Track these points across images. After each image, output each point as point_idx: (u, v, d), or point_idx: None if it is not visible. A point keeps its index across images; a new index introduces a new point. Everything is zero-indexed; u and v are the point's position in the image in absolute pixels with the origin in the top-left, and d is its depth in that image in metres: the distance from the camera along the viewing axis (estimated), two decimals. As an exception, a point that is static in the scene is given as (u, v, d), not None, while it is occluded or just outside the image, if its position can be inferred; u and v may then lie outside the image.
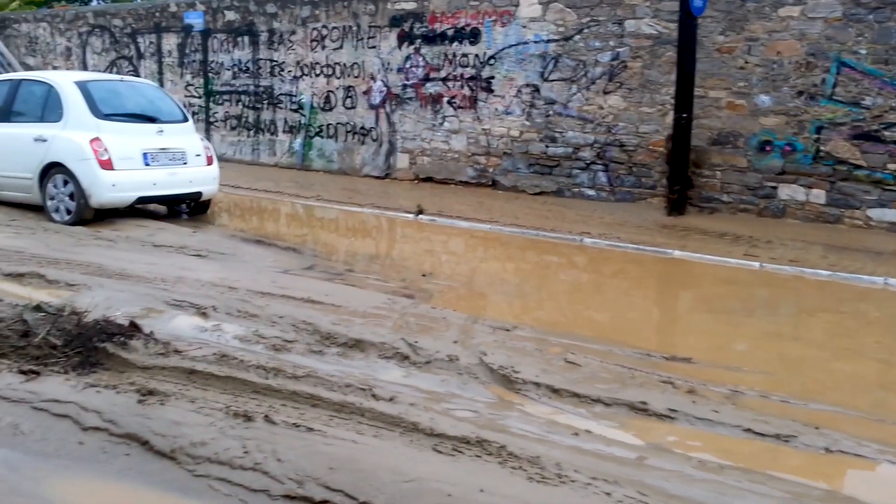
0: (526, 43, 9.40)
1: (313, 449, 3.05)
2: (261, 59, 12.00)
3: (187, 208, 8.36)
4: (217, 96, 12.52)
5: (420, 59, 10.38)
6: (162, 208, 8.29)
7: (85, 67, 14.53)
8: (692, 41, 8.09)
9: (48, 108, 7.66)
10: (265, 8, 11.77)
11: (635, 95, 8.74)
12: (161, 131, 7.85)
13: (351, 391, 3.62)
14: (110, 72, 13.95)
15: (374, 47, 10.79)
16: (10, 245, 6.31)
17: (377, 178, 11.06)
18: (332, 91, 11.33)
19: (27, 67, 15.50)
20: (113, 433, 3.19)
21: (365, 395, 3.58)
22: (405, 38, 10.46)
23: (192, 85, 12.91)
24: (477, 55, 9.87)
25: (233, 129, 12.53)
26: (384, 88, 10.80)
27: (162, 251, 6.51)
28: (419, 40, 10.33)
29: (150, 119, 7.92)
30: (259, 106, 12.14)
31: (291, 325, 4.59)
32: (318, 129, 11.59)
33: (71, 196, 7.37)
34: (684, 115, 8.08)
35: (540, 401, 3.70)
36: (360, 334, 4.46)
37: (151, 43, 13.37)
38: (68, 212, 7.42)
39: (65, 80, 7.68)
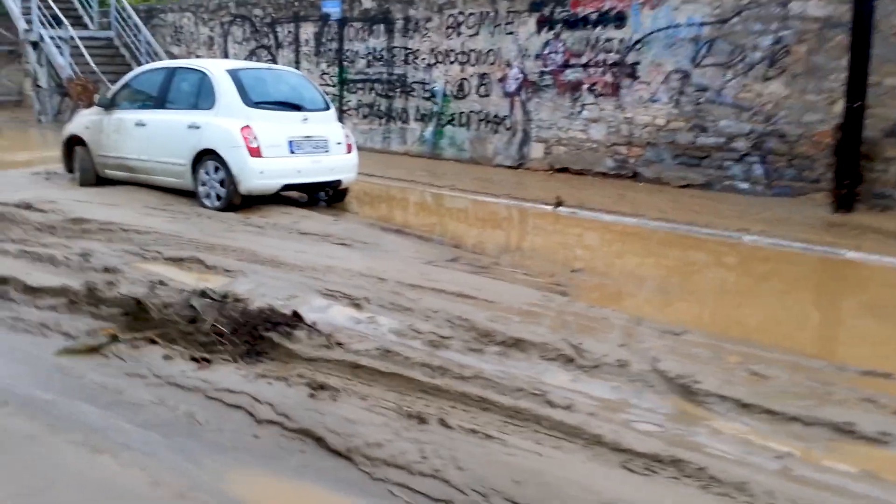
0: (677, 26, 8.88)
1: (494, 458, 2.88)
2: (395, 47, 12.00)
3: (325, 196, 8.42)
4: (350, 84, 12.65)
5: (560, 44, 10.04)
6: (301, 195, 8.38)
7: (226, 56, 15.05)
8: (868, 24, 7.37)
9: (201, 95, 7.88)
10: (402, -5, 11.76)
11: (799, 82, 8.07)
12: (306, 119, 7.93)
13: (523, 396, 3.42)
14: (250, 60, 14.37)
15: (511, 33, 10.54)
16: (167, 229, 6.52)
17: (509, 167, 10.83)
18: (465, 79, 11.17)
19: (172, 56, 16.25)
20: (287, 427, 3.14)
21: (538, 400, 3.38)
22: (545, 23, 10.14)
23: (327, 73, 13.10)
24: (622, 40, 9.43)
25: (365, 117, 12.62)
26: (520, 75, 10.54)
27: (308, 239, 6.54)
28: (559, 25, 9.99)
29: (296, 107, 8.01)
30: (391, 94, 12.15)
31: (446, 321, 4.45)
32: (450, 118, 11.48)
33: (221, 182, 7.56)
34: (857, 104, 7.38)
35: (727, 416, 3.38)
36: (518, 333, 4.25)
37: (290, 32, 13.67)
38: (218, 197, 7.62)
39: (217, 69, 7.88)
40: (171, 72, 8.27)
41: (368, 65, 12.35)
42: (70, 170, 9.22)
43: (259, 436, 3.11)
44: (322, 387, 3.43)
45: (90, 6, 17.75)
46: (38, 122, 16.86)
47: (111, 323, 4.37)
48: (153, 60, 16.14)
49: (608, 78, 9.59)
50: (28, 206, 7.23)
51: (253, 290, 4.78)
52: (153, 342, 4.00)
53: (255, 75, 8.04)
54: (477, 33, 10.90)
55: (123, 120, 8.44)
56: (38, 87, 17.04)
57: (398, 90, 12.02)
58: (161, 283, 4.86)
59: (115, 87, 8.83)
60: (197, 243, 6.09)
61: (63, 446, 2.96)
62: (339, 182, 8.19)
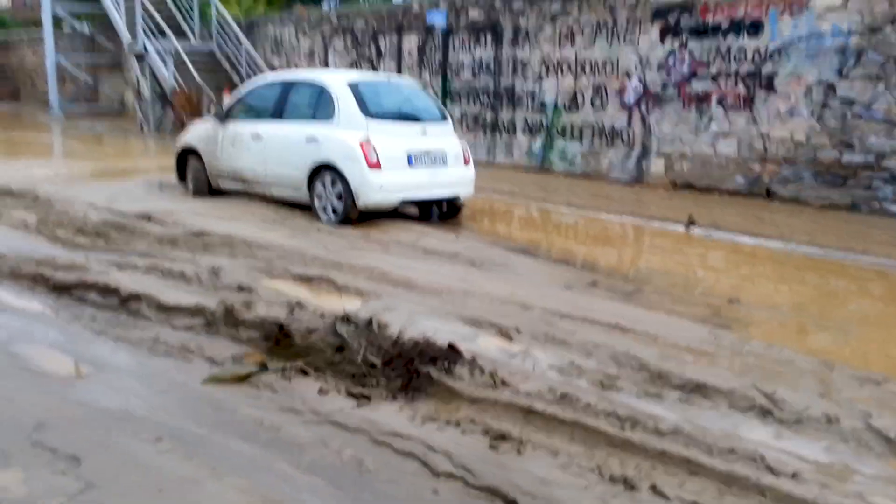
0: (820, 35, 8.21)
1: (730, 541, 2.43)
2: (503, 57, 11.65)
3: (439, 210, 8.08)
4: (454, 96, 12.35)
5: (685, 54, 9.47)
6: (413, 209, 8.08)
7: (327, 67, 15.02)
8: None
9: (320, 108, 7.70)
10: (511, 5, 11.39)
11: (964, 95, 7.31)
12: (424, 131, 7.64)
13: (736, 459, 2.95)
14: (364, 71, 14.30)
15: (631, 43, 10.03)
16: (289, 245, 6.30)
17: (625, 183, 10.30)
18: (579, 90, 10.71)
19: (272, 68, 16.35)
20: (470, 484, 2.76)
21: (756, 466, 2.90)
22: (669, 31, 9.60)
23: (430, 85, 12.85)
24: (757, 49, 8.80)
25: (469, 128, 12.29)
26: (640, 87, 10.01)
27: (435, 258, 6.21)
28: (686, 34, 9.43)
29: (414, 119, 7.73)
30: (498, 105, 11.79)
31: (610, 358, 4.01)
32: (561, 130, 11.04)
33: (339, 196, 7.33)
34: None
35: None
36: (697, 376, 3.78)
37: (392, 43, 13.51)
38: (335, 212, 7.39)
39: (337, 81, 7.68)
40: (289, 84, 8.13)
41: (474, 75, 12.04)
42: (183, 180, 9.21)
43: (439, 491, 2.75)
44: (502, 436, 3.04)
45: (192, 18, 18.11)
46: (140, 131, 17.25)
47: (251, 347, 4.12)
48: (253, 72, 16.30)
49: (740, 90, 8.97)
50: (148, 218, 7.17)
51: (394, 316, 4.45)
52: (303, 372, 3.70)
53: (374, 87, 7.81)
54: (593, 43, 10.44)
55: (239, 132, 8.34)
56: (141, 97, 17.45)
57: (505, 101, 11.66)
58: (299, 304, 4.59)
59: (230, 99, 8.76)
60: (322, 261, 5.83)
61: (231, 494, 2.66)
62: (456, 197, 7.87)
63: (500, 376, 3.64)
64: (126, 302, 4.78)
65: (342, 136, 7.33)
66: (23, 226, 6.78)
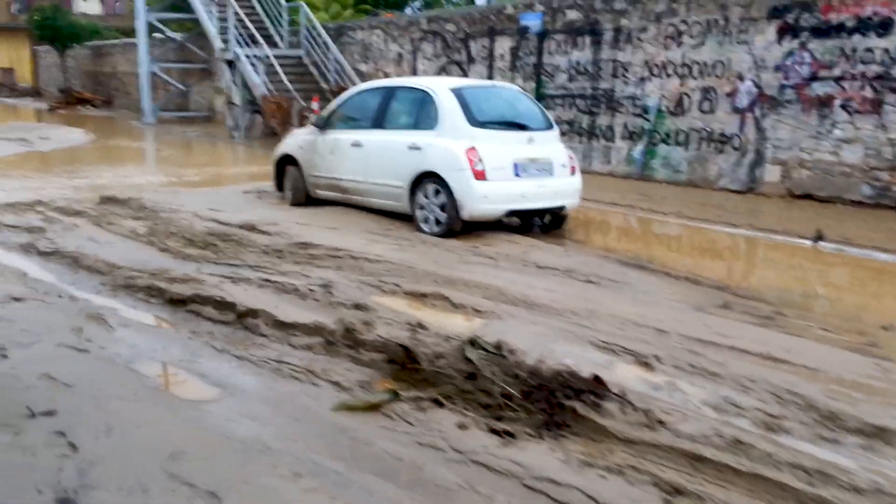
0: (962, 32, 7.54)
1: None
2: (602, 59, 11.24)
3: (541, 221, 7.76)
4: (549, 100, 12.00)
5: (805, 55, 8.88)
6: (515, 220, 7.77)
7: (415, 73, 14.90)
8: None
9: (423, 115, 7.50)
10: (612, 5, 10.98)
11: None
12: (531, 140, 7.35)
13: (957, 526, 2.55)
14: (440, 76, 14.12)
15: (744, 43, 9.48)
16: (397, 258, 6.10)
17: (736, 192, 9.75)
18: (685, 93, 10.21)
19: (360, 73, 16.36)
20: (651, 549, 2.46)
21: None
22: (787, 31, 9.02)
23: (523, 89, 12.52)
24: (886, 50, 8.16)
25: (564, 134, 11.89)
26: (754, 90, 9.45)
27: (549, 274, 5.90)
28: (806, 33, 8.84)
29: (520, 127, 7.45)
30: (595, 110, 11.38)
31: (770, 394, 3.62)
32: (664, 136, 10.55)
33: (441, 207, 7.11)
34: None
35: None
36: (874, 417, 3.36)
37: (484, 47, 13.26)
38: (437, 223, 7.18)
39: (441, 87, 7.46)
40: (390, 91, 7.96)
41: (570, 79, 11.67)
42: (280, 188, 9.18)
43: (613, 555, 2.45)
44: (677, 490, 2.72)
45: (281, 25, 18.33)
46: (230, 138, 17.53)
47: (374, 370, 3.92)
48: (341, 78, 16.35)
49: (867, 93, 8.33)
50: (252, 228, 7.11)
51: (519, 338, 4.17)
52: (437, 403, 3.46)
53: (479, 93, 7.56)
54: (702, 43, 9.92)
55: (339, 140, 8.23)
56: (232, 104, 17.74)
57: (604, 106, 11.24)
58: (420, 325, 4.36)
59: (330, 107, 8.67)
60: (434, 276, 5.60)
61: (384, 549, 2.43)
62: (562, 207, 7.55)
63: (655, 415, 3.31)
64: (243, 317, 4.66)
65: (446, 145, 7.10)
66: (134, 235, 6.81)
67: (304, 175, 8.67)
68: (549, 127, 7.69)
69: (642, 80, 10.73)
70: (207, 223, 7.38)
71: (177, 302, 5.04)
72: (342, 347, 4.20)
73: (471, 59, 13.58)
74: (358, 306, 4.70)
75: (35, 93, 35.79)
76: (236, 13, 16.85)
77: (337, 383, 3.71)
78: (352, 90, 8.60)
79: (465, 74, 13.66)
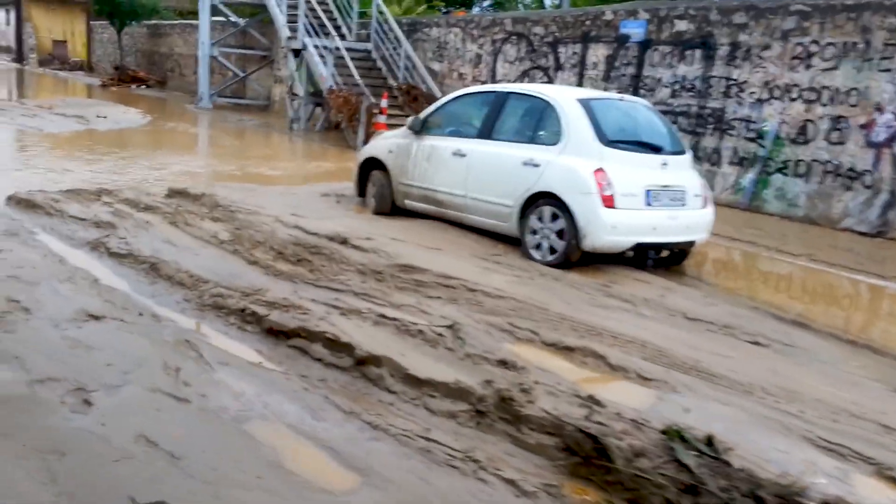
0: None
1: None
2: (713, 76, 10.29)
3: (656, 255, 6.82)
4: (645, 116, 11.05)
5: (964, 88, 7.89)
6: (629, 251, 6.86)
7: (493, 76, 14.08)
8: None
9: (542, 128, 6.66)
10: (731, 18, 10.02)
11: None
12: (665, 164, 6.47)
13: None
14: (522, 82, 13.27)
15: (887, 70, 8.49)
16: (521, 294, 5.24)
17: (862, 234, 8.75)
18: (811, 120, 9.23)
19: (432, 73, 15.57)
20: None
21: None
22: (945, 59, 8.04)
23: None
24: None
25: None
26: (895, 123, 8.45)
27: (703, 328, 5.01)
28: (967, 64, 7.86)
29: (654, 149, 6.56)
30: (700, 130, 10.44)
31: None
32: (781, 165, 9.58)
33: (559, 233, 6.26)
34: None
35: None
36: None
37: (574, 53, 12.37)
38: (551, 251, 6.33)
39: (565, 97, 6.60)
40: (503, 97, 7.11)
41: (673, 95, 10.73)
42: (361, 194, 8.39)
43: None
44: None
45: (350, 17, 17.59)
46: (289, 129, 16.84)
47: (545, 458, 3.11)
48: (410, 76, 15.56)
49: None
50: (344, 242, 6.29)
51: (718, 428, 3.29)
52: (658, 530, 2.61)
53: (609, 107, 6.69)
54: (835, 67, 8.94)
55: (437, 147, 7.41)
56: (294, 94, 17.04)
57: (711, 126, 10.29)
58: (592, 399, 3.50)
59: (428, 110, 7.86)
60: (572, 322, 4.74)
61: None
62: (692, 243, 6.66)
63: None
64: (363, 364, 3.86)
65: (571, 164, 6.24)
66: (216, 241, 6.05)
67: (393, 182, 7.87)
68: (683, 151, 6.80)
69: (759, 101, 9.77)
70: (292, 231, 6.60)
71: (277, 333, 4.26)
72: (497, 421, 3.37)
73: (558, 66, 12.70)
74: (504, 364, 3.85)
75: (87, 67, 35.58)
76: (307, 1, 16.15)
77: (512, 483, 2.87)
78: (455, 93, 7.77)
79: (550, 81, 12.79)
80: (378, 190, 8.05)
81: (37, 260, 5.25)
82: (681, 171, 6.61)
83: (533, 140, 6.67)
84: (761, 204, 9.77)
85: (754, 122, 9.85)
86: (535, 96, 6.84)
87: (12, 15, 40.52)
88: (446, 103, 7.66)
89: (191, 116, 18.93)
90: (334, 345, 4.04)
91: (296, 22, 16.43)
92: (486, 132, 7.05)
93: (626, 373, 4.03)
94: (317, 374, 3.85)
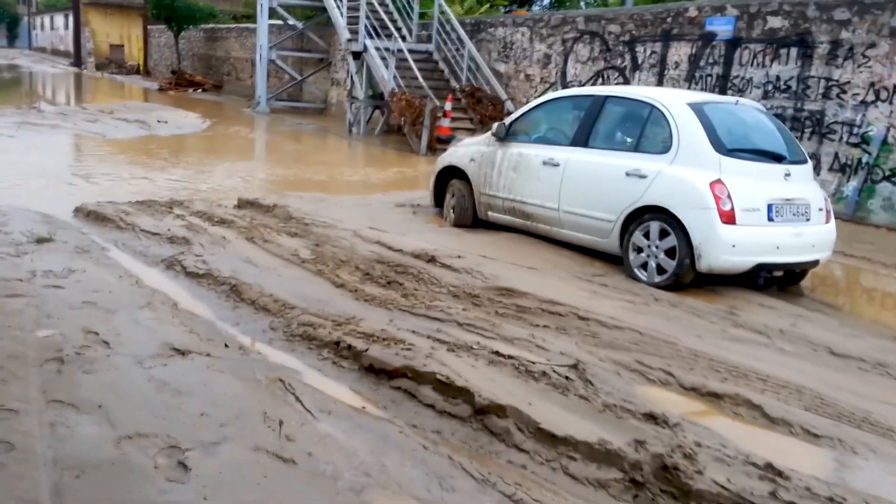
0: None
1: None
2: (811, 76, 9.53)
3: (768, 273, 6.14)
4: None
5: None
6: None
7: (564, 77, 13.47)
8: None
9: (648, 135, 6.06)
10: (832, 14, 9.26)
11: None
12: (788, 175, 5.82)
13: None
14: (595, 83, 12.65)
15: None
16: (641, 325, 4.66)
17: None
18: (926, 124, 8.43)
19: (497, 74, 15.03)
20: None
21: None
22: None
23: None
24: None
25: (748, 159, 10.24)
26: None
27: (855, 368, 4.38)
28: None
29: (775, 157, 5.91)
30: (797, 134, 9.67)
31: None
32: (889, 173, 8.79)
33: (669, 252, 5.66)
34: None
35: None
36: None
37: (653, 52, 11.69)
38: (660, 271, 5.74)
39: (674, 101, 6.00)
40: (600, 101, 6.52)
41: (766, 95, 10.00)
42: (438, 204, 7.90)
43: None
44: None
45: (410, 18, 17.15)
46: (349, 133, 16.47)
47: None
48: (475, 77, 15.03)
49: None
50: (432, 260, 5.81)
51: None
52: None
53: (723, 111, 6.06)
54: (957, 66, 8.15)
55: (526, 156, 6.87)
56: (354, 98, 16.66)
57: (809, 130, 9.54)
58: (776, 471, 2.91)
59: (514, 115, 7.32)
60: (709, 360, 4.15)
61: None
62: (816, 263, 6.00)
63: None
64: (483, 414, 3.34)
65: (684, 175, 5.64)
66: (297, 260, 5.61)
67: (475, 193, 7.36)
68: (805, 160, 6.14)
69: (864, 104, 8.99)
70: (373, 247, 6.14)
71: (378, 372, 3.78)
72: (661, 496, 2.82)
73: (636, 66, 12.03)
74: (653, 418, 3.29)
75: (144, 71, 35.95)
76: (369, 2, 15.76)
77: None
78: (545, 97, 7.21)
79: (626, 82, 12.14)
80: (458, 201, 7.55)
81: (112, 282, 4.88)
82: (804, 183, 5.97)
83: (637, 148, 6.08)
84: (866, 215, 8.98)
85: (858, 126, 9.07)
86: (638, 100, 6.24)
87: (70, 20, 41.31)
88: (534, 108, 7.11)
89: (249, 120, 18.74)
90: (447, 389, 3.54)
91: (355, 24, 16.07)
92: (582, 139, 6.48)
93: (791, 427, 3.44)
94: (430, 425, 3.36)
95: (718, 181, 5.52)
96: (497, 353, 3.94)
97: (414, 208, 8.23)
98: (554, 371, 3.73)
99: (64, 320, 4.07)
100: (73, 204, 7.06)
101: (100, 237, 6.10)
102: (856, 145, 9.09)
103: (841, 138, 9.25)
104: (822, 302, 6.00)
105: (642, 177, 5.86)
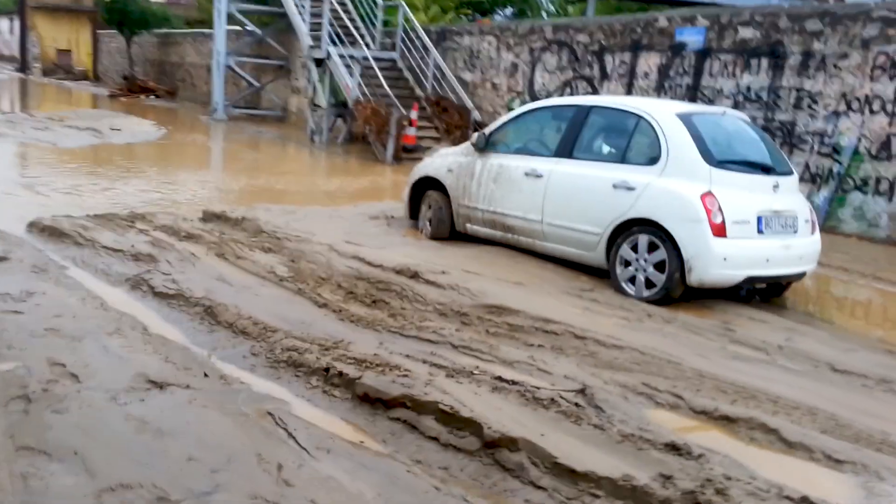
0: None
1: None
2: (782, 86, 9.58)
3: (750, 286, 6.05)
4: (702, 129, 10.34)
5: None
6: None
7: (531, 86, 13.38)
8: None
9: (636, 145, 5.94)
10: (803, 24, 9.32)
11: None
12: (776, 186, 5.75)
13: None
14: (563, 94, 12.57)
15: None
16: (640, 343, 4.49)
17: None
18: (895, 134, 8.51)
19: (463, 83, 14.88)
20: None
21: None
22: None
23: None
24: None
25: (719, 169, 10.25)
26: None
27: (858, 384, 4.27)
28: None
29: (764, 169, 5.84)
30: (767, 145, 9.72)
31: None
32: (860, 182, 8.86)
33: (658, 266, 5.53)
34: None
35: None
36: None
37: (622, 63, 11.66)
38: (648, 285, 5.60)
39: (662, 111, 5.89)
40: (584, 111, 6.38)
41: (736, 105, 10.00)
42: (414, 216, 7.66)
43: None
44: None
45: (374, 25, 16.90)
46: (311, 142, 16.12)
47: None
48: (441, 86, 14.85)
49: None
50: (415, 276, 5.56)
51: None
52: None
53: (711, 122, 5.97)
54: (927, 78, 8.25)
55: (507, 167, 6.69)
56: (316, 106, 16.31)
57: (779, 140, 9.56)
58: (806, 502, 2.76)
59: (493, 125, 7.14)
60: (714, 381, 4.01)
61: None
62: (802, 275, 5.94)
63: None
64: (493, 448, 3.12)
65: (674, 187, 5.52)
66: (274, 278, 5.32)
67: (453, 205, 7.15)
68: (791, 171, 6.09)
69: (836, 114, 9.05)
70: (351, 262, 5.88)
71: (374, 401, 3.52)
72: (694, 538, 2.62)
73: (604, 76, 11.99)
74: (675, 448, 3.10)
75: (93, 77, 34.92)
76: (333, 9, 15.46)
77: None
78: (526, 106, 7.04)
79: (595, 92, 12.09)
80: (435, 213, 7.33)
81: (75, 305, 4.53)
82: (791, 194, 5.92)
83: (624, 160, 5.95)
84: (836, 224, 9.03)
85: (829, 136, 9.13)
86: (625, 111, 6.12)
87: (16, 24, 39.95)
88: (515, 118, 6.94)
89: (207, 128, 18.24)
90: (451, 419, 3.31)
91: (317, 31, 15.76)
92: (566, 150, 6.33)
93: (811, 453, 3.30)
94: (436, 460, 3.12)
95: (709, 193, 5.41)
96: (500, 378, 3.72)
97: (388, 220, 7.98)
98: (562, 397, 3.53)
99: (26, 351, 3.71)
100: (26, 218, 6.61)
101: (57, 254, 5.71)
102: (827, 155, 9.15)
103: (812, 148, 9.31)
104: (809, 314, 5.96)
105: (630, 189, 5.72)
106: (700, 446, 3.16)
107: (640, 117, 5.91)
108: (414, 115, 13.77)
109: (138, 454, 2.82)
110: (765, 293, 6.22)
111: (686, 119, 5.73)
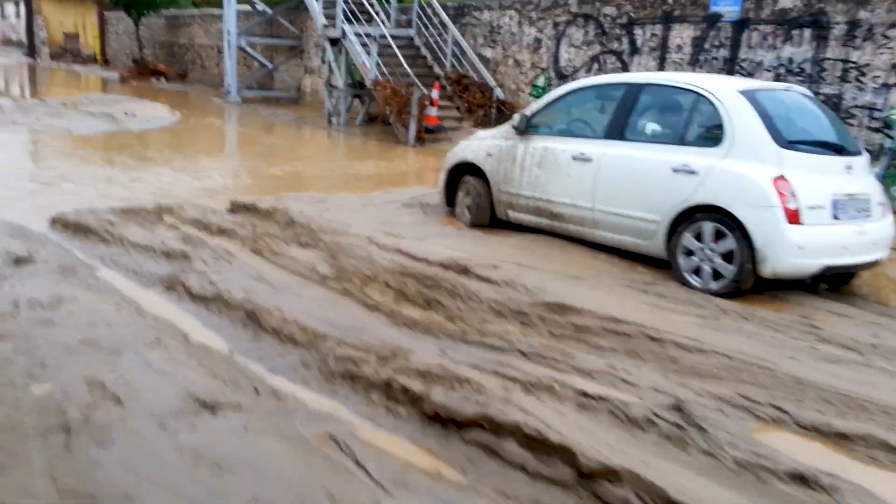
0: None
1: None
2: (827, 58, 9.10)
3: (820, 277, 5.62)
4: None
5: None
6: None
7: (556, 62, 12.89)
8: None
9: (695, 126, 5.53)
10: (850, -9, 8.83)
11: None
12: (849, 168, 5.33)
13: None
14: (591, 69, 12.10)
15: None
16: (725, 347, 4.11)
17: None
18: (955, 107, 8.05)
19: (483, 60, 14.40)
20: None
21: None
22: None
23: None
24: None
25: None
26: None
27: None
28: None
29: (836, 150, 5.42)
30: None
31: None
32: (916, 158, 8.40)
33: (727, 256, 5.14)
34: None
35: None
36: None
37: (654, 35, 11.17)
38: (716, 276, 5.21)
39: (724, 88, 5.46)
40: (635, 89, 5.95)
41: (777, 79, 9.54)
42: (450, 203, 7.28)
43: None
44: None
45: (388, 2, 16.39)
46: (328, 124, 15.69)
47: None
48: (460, 63, 14.38)
49: None
50: (465, 271, 5.19)
51: None
52: None
53: (778, 99, 5.54)
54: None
55: (552, 150, 6.29)
56: (333, 87, 15.86)
57: (827, 116, 9.08)
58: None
59: (536, 106, 6.72)
60: (816, 389, 3.64)
61: None
62: (877, 262, 5.53)
63: None
64: (590, 479, 2.77)
65: (743, 171, 5.11)
66: (316, 276, 4.97)
67: (493, 191, 6.77)
68: (861, 151, 5.66)
69: (885, 86, 8.57)
70: (393, 256, 5.51)
71: (445, 421, 3.18)
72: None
73: (634, 50, 11.50)
74: (802, 479, 2.74)
75: (102, 61, 34.46)
76: (346, -16, 14.96)
77: None
78: (570, 85, 6.61)
79: (625, 67, 11.61)
80: (474, 200, 6.95)
81: (109, 311, 4.20)
82: (864, 176, 5.50)
83: (683, 141, 5.53)
84: (890, 202, 8.56)
85: (879, 110, 8.66)
86: (682, 88, 5.69)
87: (22, 8, 39.48)
88: (558, 98, 6.52)
89: (221, 111, 17.84)
90: (537, 444, 2.96)
91: (330, 9, 15.28)
92: (617, 132, 5.92)
93: (944, 476, 2.93)
94: (525, 494, 2.78)
95: (781, 177, 5.00)
96: (584, 393, 3.36)
97: (424, 208, 7.60)
98: (657, 416, 3.17)
99: (62, 369, 3.38)
100: (48, 213, 6.28)
101: (84, 253, 5.37)
102: (877, 130, 8.69)
103: (861, 123, 8.85)
104: (883, 304, 5.53)
105: (692, 172, 5.31)
106: (827, 474, 2.80)
107: (699, 95, 5.48)
108: (435, 94, 13.33)
109: (197, 497, 2.50)
110: (832, 281, 5.81)
111: (750, 96, 5.30)
